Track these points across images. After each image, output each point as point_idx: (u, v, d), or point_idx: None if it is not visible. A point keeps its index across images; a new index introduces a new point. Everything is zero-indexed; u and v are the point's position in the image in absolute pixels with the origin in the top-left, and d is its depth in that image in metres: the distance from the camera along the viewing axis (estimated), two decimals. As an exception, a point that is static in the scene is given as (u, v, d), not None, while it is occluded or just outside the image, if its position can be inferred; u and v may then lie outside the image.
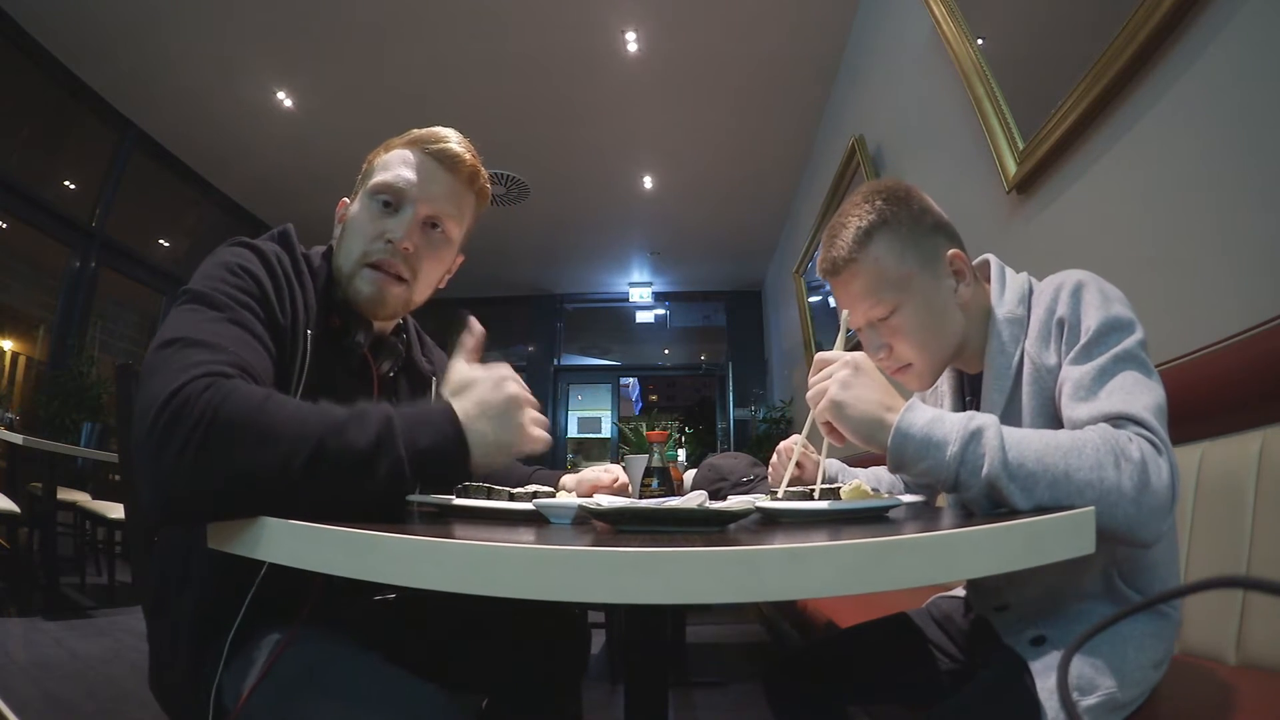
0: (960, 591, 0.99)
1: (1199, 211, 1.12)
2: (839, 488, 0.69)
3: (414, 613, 0.88)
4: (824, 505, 0.65)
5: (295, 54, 3.73)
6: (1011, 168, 1.69)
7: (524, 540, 0.42)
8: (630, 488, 1.00)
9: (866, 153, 2.99)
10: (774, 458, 1.00)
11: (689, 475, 1.43)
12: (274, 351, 0.69)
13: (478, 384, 0.65)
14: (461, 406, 0.62)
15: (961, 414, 0.63)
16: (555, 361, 7.47)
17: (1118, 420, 0.61)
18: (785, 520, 0.66)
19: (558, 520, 0.65)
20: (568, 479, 1.01)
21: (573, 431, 8.07)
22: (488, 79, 3.90)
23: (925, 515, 0.72)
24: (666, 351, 8.92)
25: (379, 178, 0.83)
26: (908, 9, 2.43)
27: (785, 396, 5.46)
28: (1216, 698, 0.71)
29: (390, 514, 0.62)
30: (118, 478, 3.26)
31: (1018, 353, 0.76)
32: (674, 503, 0.62)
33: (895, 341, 0.81)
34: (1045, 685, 0.63)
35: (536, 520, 0.67)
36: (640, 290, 7.11)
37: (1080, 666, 0.63)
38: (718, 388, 7.84)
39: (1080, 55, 1.40)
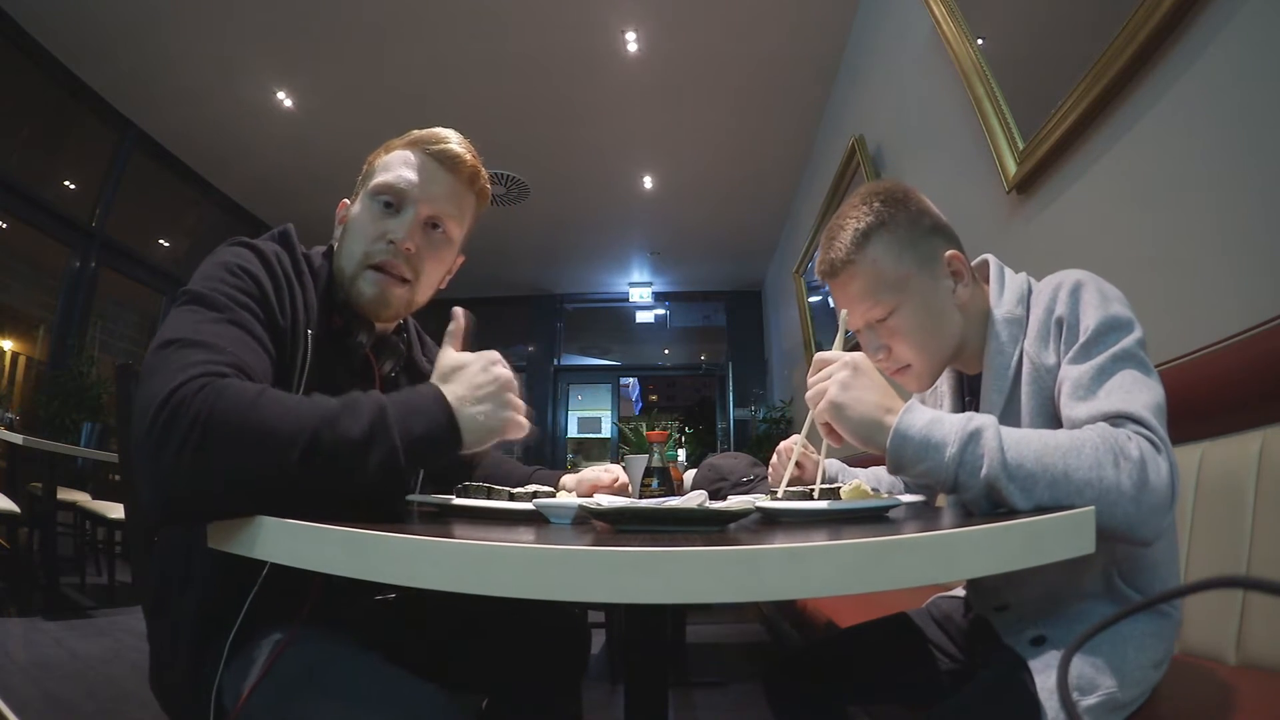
0: (960, 591, 0.99)
1: (1199, 211, 1.12)
2: (839, 488, 0.69)
3: (414, 613, 0.88)
4: (824, 505, 0.65)
5: (295, 54, 3.73)
6: (1011, 168, 1.69)
7: (524, 540, 0.42)
8: (630, 488, 1.00)
9: (866, 153, 2.99)
10: (774, 458, 1.00)
11: (689, 475, 1.42)
12: (273, 352, 0.69)
13: (467, 367, 0.65)
14: (452, 391, 0.63)
15: (960, 415, 0.63)
16: (555, 361, 7.48)
17: (1116, 419, 0.62)
18: (785, 520, 0.66)
19: (558, 520, 0.65)
20: (568, 479, 1.01)
21: (573, 431, 8.07)
22: (488, 79, 3.90)
23: (925, 515, 0.72)
24: (666, 351, 8.92)
25: (380, 179, 0.83)
26: (908, 9, 2.43)
27: (785, 396, 5.46)
28: (1216, 698, 0.71)
29: (390, 514, 0.62)
30: (118, 478, 3.26)
31: (1016, 353, 0.76)
32: (674, 503, 0.62)
33: (894, 342, 0.81)
34: (1045, 685, 0.63)
35: (536, 520, 0.67)
36: (640, 290, 7.11)
37: (1080, 666, 0.63)
38: (718, 388, 7.84)
39: (1080, 55, 1.40)
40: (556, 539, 0.47)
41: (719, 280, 7.16)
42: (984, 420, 0.61)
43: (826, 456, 0.87)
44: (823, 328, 4.09)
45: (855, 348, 0.80)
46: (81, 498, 3.31)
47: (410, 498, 0.77)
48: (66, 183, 4.17)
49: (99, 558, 3.46)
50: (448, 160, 0.84)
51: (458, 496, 0.72)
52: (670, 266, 6.86)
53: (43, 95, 3.82)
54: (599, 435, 8.41)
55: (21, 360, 4.03)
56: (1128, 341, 0.67)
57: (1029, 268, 0.85)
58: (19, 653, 2.14)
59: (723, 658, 2.81)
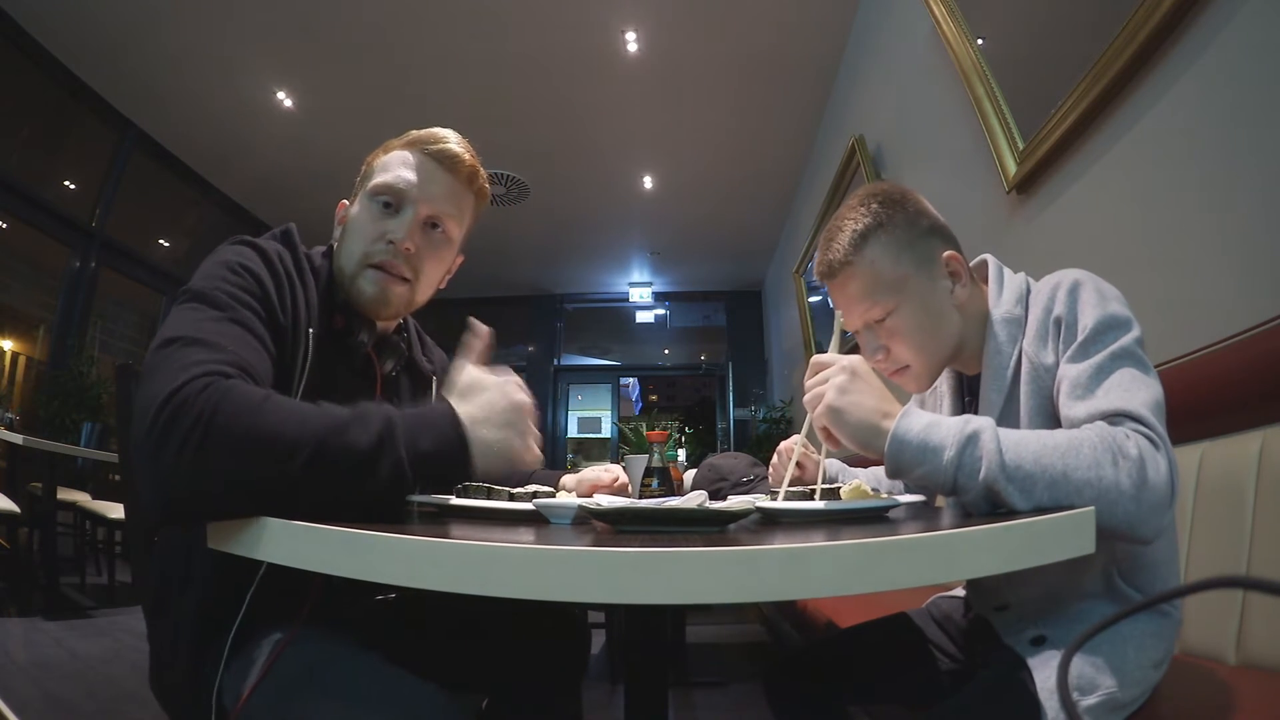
0: (960, 591, 0.99)
1: (1199, 211, 1.12)
2: (839, 488, 0.69)
3: (414, 613, 0.88)
4: (824, 505, 0.65)
5: (295, 54, 3.73)
6: (1011, 168, 1.69)
7: (523, 540, 0.42)
8: (630, 488, 1.00)
9: (866, 153, 2.99)
10: (774, 458, 1.00)
11: (689, 475, 1.43)
12: (274, 351, 0.69)
13: (486, 390, 0.64)
14: (466, 410, 0.62)
15: (958, 418, 0.63)
16: (555, 361, 7.47)
17: (1115, 418, 0.61)
18: (785, 520, 0.66)
19: (557, 520, 0.65)
20: (568, 479, 1.01)
21: (573, 431, 8.07)
22: (488, 79, 3.90)
23: (925, 515, 0.72)
24: (666, 351, 8.92)
25: (379, 179, 0.83)
26: (908, 9, 2.43)
27: (785, 396, 5.46)
28: (1216, 698, 0.71)
29: (390, 514, 0.62)
30: (118, 478, 3.27)
31: (1015, 352, 0.76)
32: (674, 503, 0.62)
33: (892, 343, 0.81)
34: (1045, 685, 0.63)
35: (536, 520, 0.67)
36: (640, 290, 7.11)
37: (1080, 666, 0.63)
38: (718, 388, 7.84)
39: (1080, 55, 1.40)
40: (556, 539, 0.46)
41: (719, 280, 7.16)
42: (981, 422, 0.61)
43: (826, 457, 0.87)
44: (823, 328, 4.09)
45: (852, 349, 0.80)
46: (81, 498, 3.31)
47: (410, 498, 0.77)
48: (66, 183, 4.17)
49: (99, 558, 3.46)
50: (446, 160, 0.84)
51: (457, 496, 0.72)
52: (670, 266, 6.86)
53: (43, 95, 3.82)
54: (599, 435, 8.41)
55: (21, 360, 4.03)
56: (1126, 340, 0.67)
57: (1029, 268, 0.85)
58: (19, 653, 2.14)
59: (723, 658, 2.80)
